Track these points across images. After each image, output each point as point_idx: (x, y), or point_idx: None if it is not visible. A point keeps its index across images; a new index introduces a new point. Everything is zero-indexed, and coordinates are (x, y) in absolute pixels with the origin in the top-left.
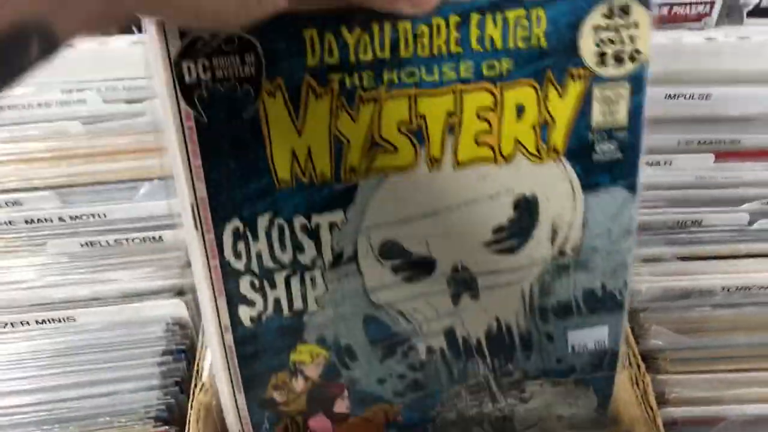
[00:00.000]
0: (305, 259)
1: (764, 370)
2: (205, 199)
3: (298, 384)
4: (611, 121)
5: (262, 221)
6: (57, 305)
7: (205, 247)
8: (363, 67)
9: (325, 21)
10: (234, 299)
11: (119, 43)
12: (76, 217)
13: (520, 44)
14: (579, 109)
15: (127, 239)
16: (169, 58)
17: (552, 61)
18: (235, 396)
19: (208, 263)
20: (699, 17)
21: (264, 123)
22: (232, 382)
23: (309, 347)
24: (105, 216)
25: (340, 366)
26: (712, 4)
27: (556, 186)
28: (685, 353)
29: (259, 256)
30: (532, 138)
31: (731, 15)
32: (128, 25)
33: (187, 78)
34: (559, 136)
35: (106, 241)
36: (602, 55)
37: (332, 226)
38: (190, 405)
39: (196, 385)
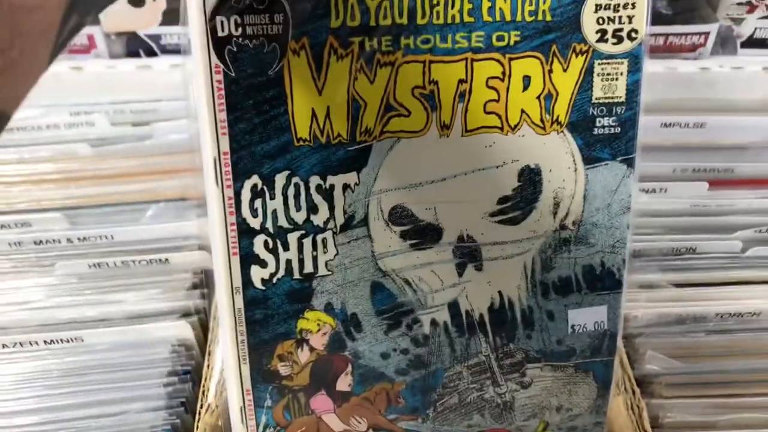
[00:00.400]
0: (318, 220)
1: (757, 395)
2: (228, 153)
3: (303, 355)
4: (610, 96)
5: (280, 179)
6: (65, 326)
7: (224, 204)
8: (382, 32)
9: None
10: (247, 259)
11: (127, 66)
12: (84, 238)
13: (528, 18)
14: (581, 83)
15: (134, 261)
16: (205, 13)
17: (556, 35)
18: (240, 367)
19: (226, 220)
20: (694, 47)
21: (287, 81)
22: (238, 350)
23: (317, 314)
24: (112, 238)
25: (345, 337)
26: (707, 34)
27: (558, 158)
28: (679, 378)
29: (274, 215)
30: (536, 109)
31: (725, 45)
32: (135, 50)
33: (219, 32)
34: (562, 108)
35: (114, 263)
36: (603, 33)
37: (345, 188)
38: (196, 426)
39: (201, 406)
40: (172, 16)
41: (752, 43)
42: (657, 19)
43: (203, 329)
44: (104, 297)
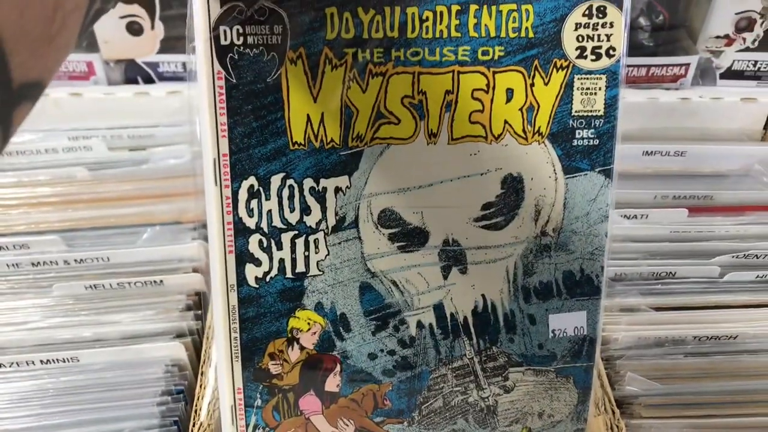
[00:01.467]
0: (311, 221)
1: (732, 416)
2: (227, 155)
3: (294, 353)
4: (589, 110)
5: (275, 181)
6: (61, 346)
7: (222, 203)
8: (374, 44)
9: (345, 1)
10: (242, 257)
11: (125, 93)
12: (81, 260)
13: (511, 34)
14: (561, 96)
15: (129, 283)
16: (209, 22)
17: (538, 51)
18: (232, 365)
19: (223, 219)
20: (675, 78)
21: (285, 88)
22: (231, 348)
23: (307, 314)
24: (108, 260)
25: (334, 336)
26: (687, 66)
27: (539, 167)
28: (658, 399)
29: (269, 215)
30: (519, 120)
31: (705, 76)
32: (134, 77)
33: (222, 41)
34: (543, 120)
35: (110, 284)
36: (582, 50)
37: (337, 191)
38: None
39: (194, 425)
40: (170, 44)
41: (731, 74)
42: (639, 50)
43: (196, 350)
44: (100, 318)
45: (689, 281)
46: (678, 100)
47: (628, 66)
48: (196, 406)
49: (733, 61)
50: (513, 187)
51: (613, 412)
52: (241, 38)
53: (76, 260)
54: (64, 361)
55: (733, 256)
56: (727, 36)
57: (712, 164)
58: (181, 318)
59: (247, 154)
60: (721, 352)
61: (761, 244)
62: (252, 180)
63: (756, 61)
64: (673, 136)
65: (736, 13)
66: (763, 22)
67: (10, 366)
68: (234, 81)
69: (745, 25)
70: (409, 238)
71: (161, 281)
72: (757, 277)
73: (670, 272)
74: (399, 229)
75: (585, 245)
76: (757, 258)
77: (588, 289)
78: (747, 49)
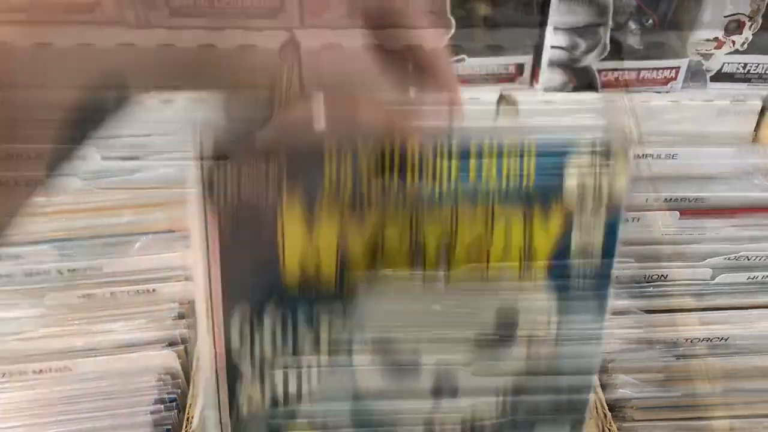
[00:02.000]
0: (304, 350)
1: (725, 417)
2: (219, 287)
3: None
4: (588, 250)
5: (269, 310)
6: (54, 355)
7: (214, 334)
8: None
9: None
10: (235, 385)
11: None
12: (74, 270)
13: (512, 180)
14: (560, 236)
15: (121, 292)
16: (202, 158)
17: (539, 195)
18: None
19: (215, 349)
20: (666, 81)
21: (280, 228)
22: None
23: None
24: (101, 269)
25: None
26: (678, 69)
27: (535, 302)
28: (650, 402)
29: (261, 345)
30: (517, 258)
31: (695, 79)
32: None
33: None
34: (541, 259)
35: (102, 294)
36: (582, 195)
37: (331, 321)
38: None
39: None
40: None
41: (721, 77)
42: (630, 54)
43: (189, 358)
44: (93, 327)
45: (681, 283)
46: (669, 102)
47: (619, 69)
48: (188, 414)
49: (723, 63)
50: (507, 322)
51: (605, 416)
52: (236, 180)
53: (68, 270)
54: (57, 371)
55: (724, 258)
56: (716, 39)
57: (704, 166)
58: (174, 326)
59: (239, 285)
60: (712, 354)
61: (753, 246)
62: (245, 308)
63: (746, 64)
64: (665, 138)
65: (725, 16)
66: (751, 25)
67: (2, 376)
68: (228, 218)
69: (734, 27)
70: (402, 365)
71: (154, 290)
72: (749, 278)
73: (662, 275)
74: (392, 357)
75: (577, 367)
76: (749, 260)
77: (575, 406)
78: (736, 52)
